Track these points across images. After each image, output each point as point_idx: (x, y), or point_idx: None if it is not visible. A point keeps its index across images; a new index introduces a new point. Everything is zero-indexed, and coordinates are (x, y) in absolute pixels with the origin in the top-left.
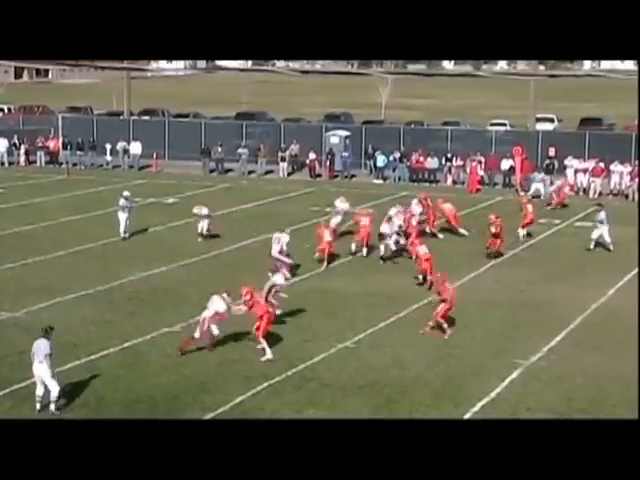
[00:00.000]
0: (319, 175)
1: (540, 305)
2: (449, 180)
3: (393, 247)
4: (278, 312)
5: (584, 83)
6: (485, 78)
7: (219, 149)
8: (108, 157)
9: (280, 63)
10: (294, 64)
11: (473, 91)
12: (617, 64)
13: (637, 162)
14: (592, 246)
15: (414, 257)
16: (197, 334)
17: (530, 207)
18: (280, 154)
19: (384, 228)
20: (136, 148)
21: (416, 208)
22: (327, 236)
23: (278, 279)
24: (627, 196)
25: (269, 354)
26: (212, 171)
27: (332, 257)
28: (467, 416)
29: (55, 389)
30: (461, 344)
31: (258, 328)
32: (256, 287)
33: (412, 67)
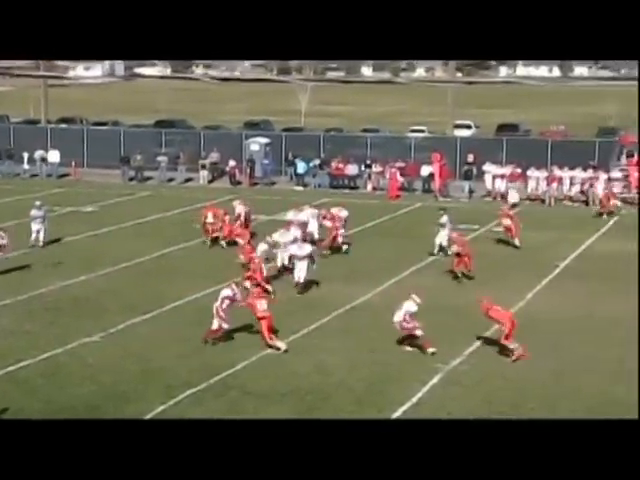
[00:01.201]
0: (239, 182)
1: (461, 309)
2: (369, 186)
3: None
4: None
5: (500, 89)
6: (403, 85)
7: (138, 157)
8: (26, 166)
9: (199, 70)
10: (213, 71)
11: (392, 98)
12: (532, 70)
13: (551, 168)
14: (436, 251)
15: None
16: (216, 325)
17: (508, 221)
18: (200, 162)
19: (280, 237)
20: (54, 156)
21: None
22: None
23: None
24: (543, 201)
25: (283, 345)
26: (131, 179)
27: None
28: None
29: None
30: (383, 349)
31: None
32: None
33: (331, 74)
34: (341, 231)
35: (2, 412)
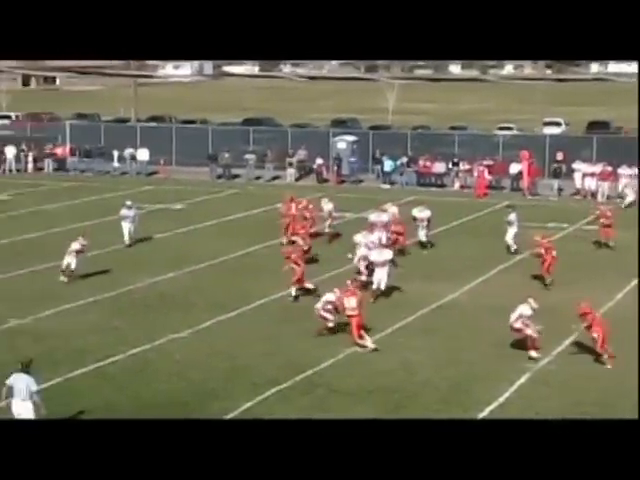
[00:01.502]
0: (326, 180)
1: (549, 309)
2: (456, 185)
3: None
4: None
5: (591, 87)
6: (492, 82)
7: (226, 155)
8: (116, 164)
9: (287, 69)
10: (301, 70)
11: (480, 95)
12: (624, 67)
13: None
14: (513, 249)
15: None
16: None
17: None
18: (287, 160)
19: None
20: (143, 154)
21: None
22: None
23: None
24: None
25: (371, 344)
26: (219, 177)
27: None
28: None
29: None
30: (470, 348)
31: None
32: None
33: (419, 72)
34: (423, 231)
35: (92, 409)
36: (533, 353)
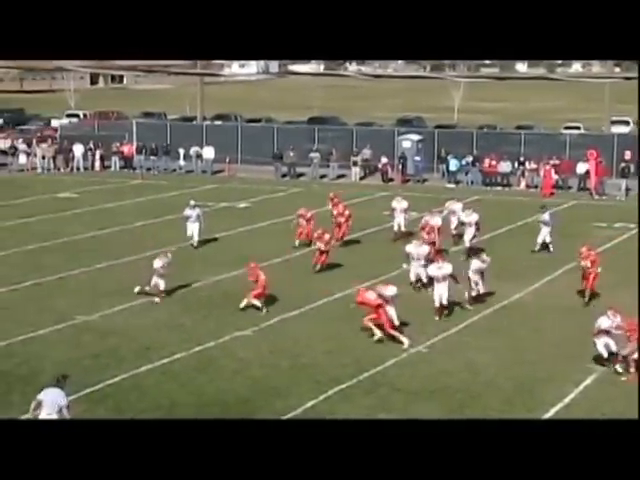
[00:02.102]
0: (391, 179)
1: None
2: (522, 184)
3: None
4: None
5: None
6: (559, 81)
7: (291, 153)
8: (181, 162)
9: (352, 67)
10: (366, 68)
11: (547, 94)
12: None
13: None
14: (537, 248)
15: None
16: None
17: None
18: (352, 158)
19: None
20: (209, 153)
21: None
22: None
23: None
24: None
25: (406, 340)
26: (284, 175)
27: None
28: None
29: None
30: (534, 349)
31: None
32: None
33: (485, 70)
34: (468, 237)
35: (157, 406)
36: (618, 367)
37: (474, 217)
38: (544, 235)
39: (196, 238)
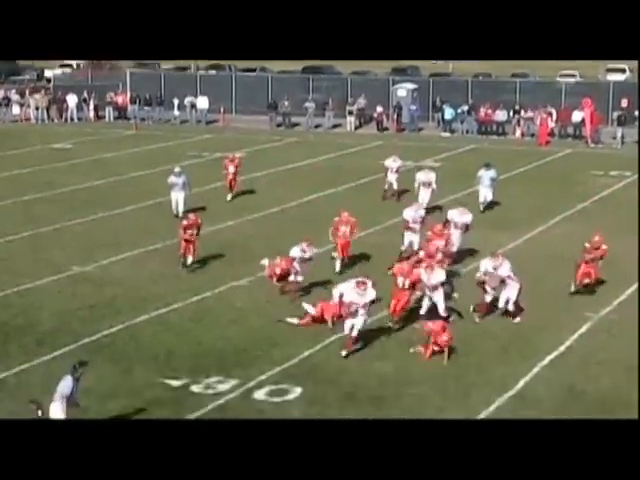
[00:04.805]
0: (386, 129)
1: (611, 259)
2: (518, 132)
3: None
4: None
5: None
6: None
7: (286, 103)
8: (176, 112)
9: None
10: None
11: None
12: None
13: None
14: (482, 208)
15: None
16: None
17: None
18: (347, 108)
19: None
20: (203, 103)
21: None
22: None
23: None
24: None
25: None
26: (279, 125)
27: None
28: (535, 370)
29: None
30: (530, 297)
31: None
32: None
33: None
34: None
35: (154, 356)
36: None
37: (467, 218)
38: (485, 194)
39: (181, 208)
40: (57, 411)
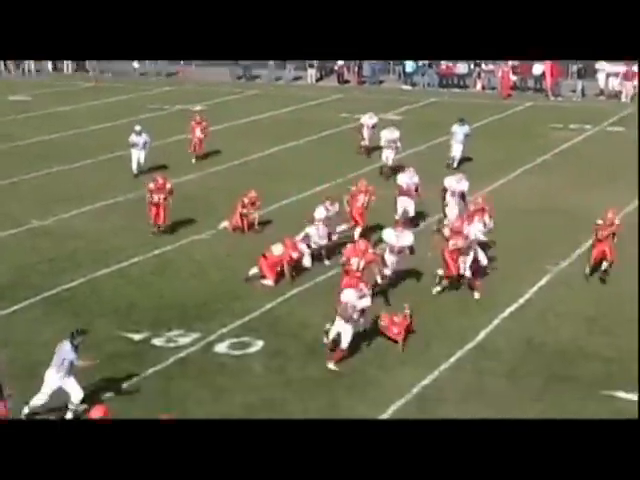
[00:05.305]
0: (347, 81)
1: (571, 211)
2: (478, 85)
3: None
4: None
5: None
6: None
7: None
8: (135, 64)
9: None
10: None
11: None
12: None
13: None
14: (450, 162)
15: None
16: None
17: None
18: (307, 61)
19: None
20: None
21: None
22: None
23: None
24: None
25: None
26: (239, 78)
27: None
28: (495, 322)
29: (76, 395)
30: (490, 250)
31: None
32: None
33: None
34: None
35: (115, 309)
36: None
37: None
38: (457, 149)
39: (136, 166)
40: (51, 377)
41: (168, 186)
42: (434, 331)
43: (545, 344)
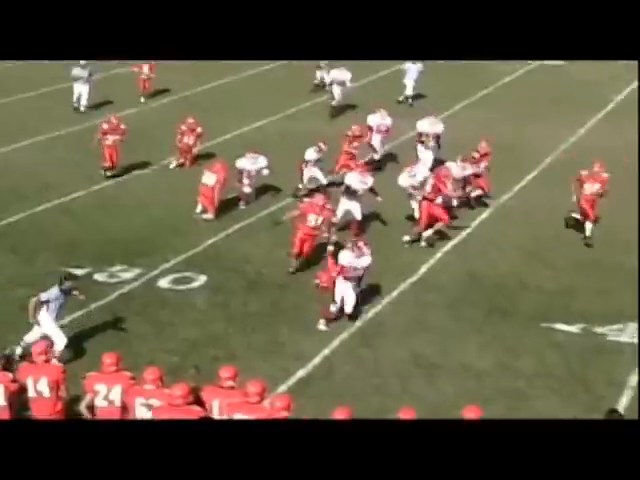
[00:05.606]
0: None
1: (511, 145)
2: None
3: None
4: None
5: None
6: None
7: None
8: None
9: None
10: None
11: None
12: None
13: None
14: (401, 98)
15: None
16: None
17: None
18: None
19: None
20: None
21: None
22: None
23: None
24: None
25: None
26: None
27: None
28: (438, 255)
29: (60, 342)
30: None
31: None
32: None
33: None
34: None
35: (56, 244)
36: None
37: (439, 127)
38: (410, 87)
39: (84, 102)
40: (45, 319)
41: (122, 127)
42: (380, 266)
43: (486, 277)
